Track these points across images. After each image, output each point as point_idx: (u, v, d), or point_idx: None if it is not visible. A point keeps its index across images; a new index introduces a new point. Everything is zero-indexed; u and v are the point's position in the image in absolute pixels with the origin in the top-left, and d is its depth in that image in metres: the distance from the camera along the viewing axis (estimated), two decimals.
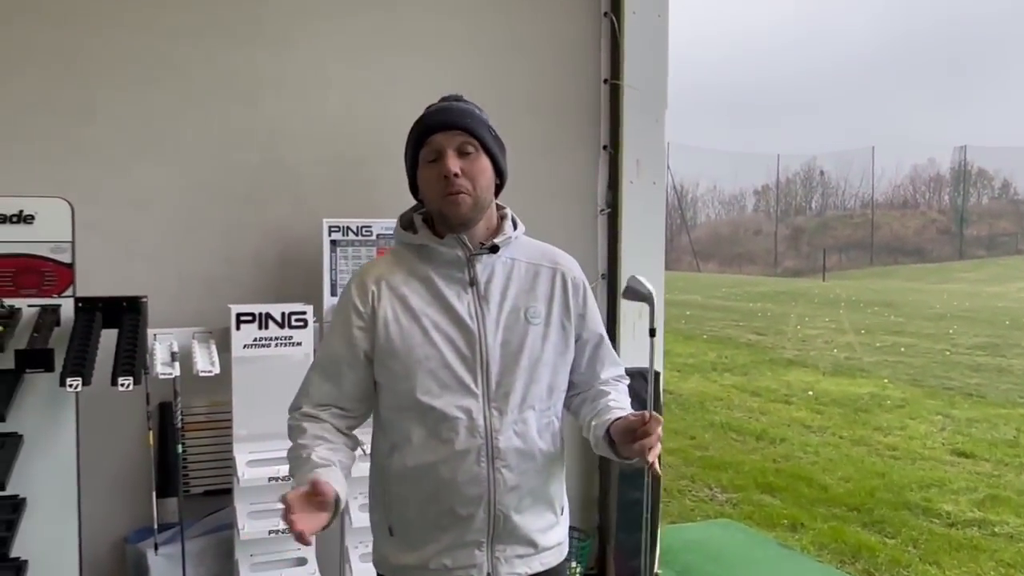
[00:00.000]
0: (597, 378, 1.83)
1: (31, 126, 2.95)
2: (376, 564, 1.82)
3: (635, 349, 3.69)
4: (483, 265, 1.72)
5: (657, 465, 1.56)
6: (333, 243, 3.15)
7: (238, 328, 2.91)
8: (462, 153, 1.68)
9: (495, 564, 1.69)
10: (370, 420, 1.83)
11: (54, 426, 2.66)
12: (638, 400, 3.82)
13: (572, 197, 3.73)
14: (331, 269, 3.15)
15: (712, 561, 4.14)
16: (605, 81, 3.72)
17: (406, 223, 1.80)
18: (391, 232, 3.17)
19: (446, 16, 3.49)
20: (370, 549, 1.87)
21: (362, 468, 1.84)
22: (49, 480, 2.65)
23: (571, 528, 3.07)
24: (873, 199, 34.82)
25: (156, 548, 2.89)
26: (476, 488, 1.65)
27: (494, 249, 1.71)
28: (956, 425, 7.46)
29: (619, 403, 1.78)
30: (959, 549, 4.60)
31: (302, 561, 2.93)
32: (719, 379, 9.67)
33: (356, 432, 1.80)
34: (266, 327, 2.94)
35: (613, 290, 3.75)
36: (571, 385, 1.82)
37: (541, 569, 1.75)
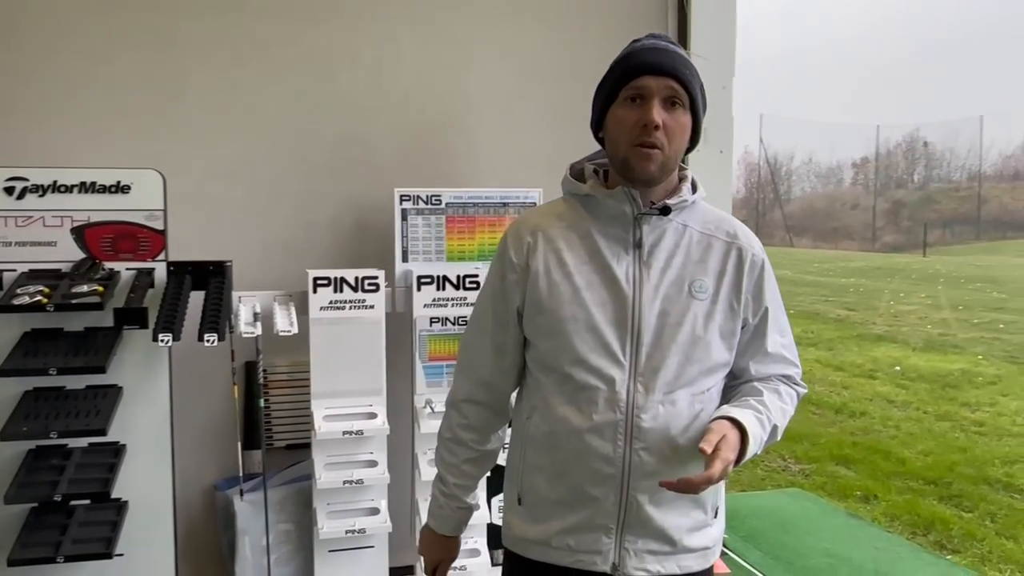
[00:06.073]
0: (752, 369, 1.65)
1: (129, 104, 3.18)
2: (502, 535, 1.73)
3: None
4: (651, 227, 1.57)
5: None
6: (404, 212, 3.29)
7: (315, 291, 3.08)
8: (668, 104, 1.53)
9: (623, 555, 1.54)
10: None
11: (150, 379, 2.88)
12: None
13: None
14: (402, 237, 3.29)
15: (779, 528, 4.17)
16: None
17: (576, 172, 1.68)
18: (460, 201, 3.35)
19: None
20: None
21: None
22: (145, 428, 2.87)
23: None
24: (981, 171, 33.31)
25: (242, 495, 3.11)
26: (609, 468, 1.52)
27: (665, 211, 1.56)
28: None
29: (760, 408, 1.56)
30: None
31: (375, 511, 3.10)
32: (802, 353, 9.34)
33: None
34: (341, 290, 3.10)
35: None
36: (729, 374, 1.64)
37: (679, 572, 1.57)
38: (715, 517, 1.63)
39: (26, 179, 2.81)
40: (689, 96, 1.54)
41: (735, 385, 1.66)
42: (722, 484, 1.60)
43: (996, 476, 5.30)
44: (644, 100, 1.52)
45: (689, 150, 1.62)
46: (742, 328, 1.61)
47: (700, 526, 1.59)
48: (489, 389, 1.71)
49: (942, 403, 7.24)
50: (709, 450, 1.40)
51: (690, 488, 1.43)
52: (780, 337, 1.66)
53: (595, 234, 1.59)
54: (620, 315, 1.53)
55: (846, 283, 16.35)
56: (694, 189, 1.63)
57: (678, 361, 1.52)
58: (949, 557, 4.07)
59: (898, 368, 8.63)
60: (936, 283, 15.99)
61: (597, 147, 1.69)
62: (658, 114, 1.50)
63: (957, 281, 16.14)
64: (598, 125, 1.63)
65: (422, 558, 1.87)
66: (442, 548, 1.83)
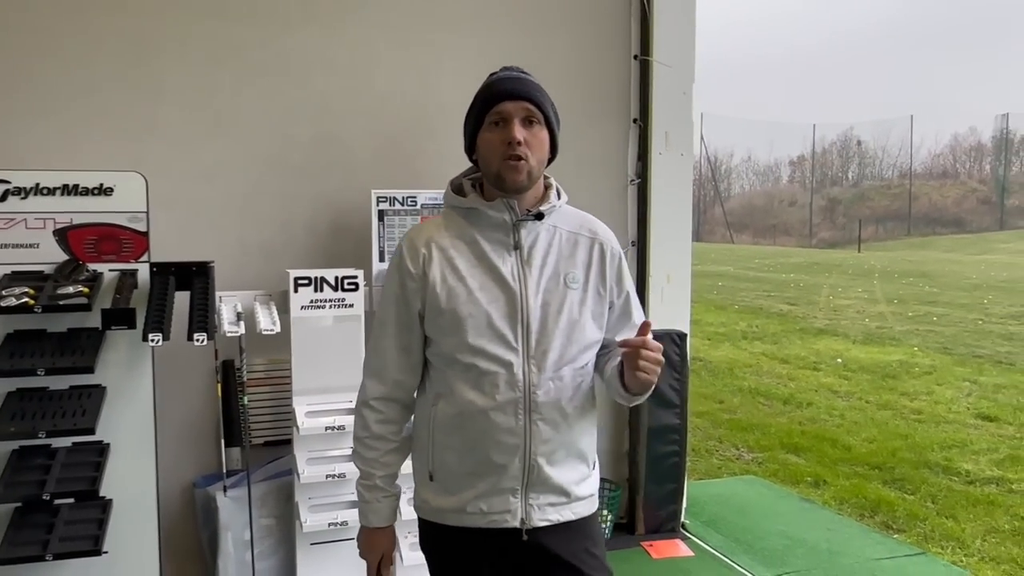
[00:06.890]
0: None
1: (108, 106, 3.21)
2: (417, 508, 1.92)
3: (663, 313, 3.90)
4: (528, 231, 1.82)
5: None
6: (381, 213, 3.38)
7: (296, 291, 3.14)
8: (527, 123, 1.78)
9: (528, 511, 1.79)
10: None
11: (133, 379, 2.92)
12: (667, 362, 4.01)
13: (604, 168, 3.93)
14: (379, 237, 3.38)
15: (737, 513, 4.37)
16: (635, 57, 3.90)
17: (456, 188, 1.90)
18: (435, 202, 3.45)
19: None
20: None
21: None
22: (129, 427, 2.91)
23: (602, 480, 3.35)
24: (911, 169, 34.40)
25: (225, 491, 3.17)
26: (513, 438, 1.76)
27: (539, 216, 1.82)
28: (983, 391, 7.59)
29: None
30: (976, 504, 4.79)
31: (356, 503, 3.18)
32: (749, 347, 9.83)
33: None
34: (321, 290, 3.17)
35: (643, 257, 3.96)
36: (601, 347, 1.91)
37: (573, 518, 1.84)
38: (593, 469, 1.92)
39: (8, 182, 2.84)
40: (543, 114, 1.80)
41: (605, 353, 1.91)
42: (595, 439, 1.90)
43: (935, 460, 5.59)
44: (506, 122, 1.78)
45: (550, 160, 1.86)
46: (609, 309, 1.90)
47: (585, 477, 1.88)
48: (400, 386, 1.91)
49: (883, 393, 7.56)
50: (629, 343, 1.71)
51: (644, 348, 1.69)
52: (637, 313, 1.96)
53: (480, 240, 1.83)
54: (510, 309, 1.79)
55: (786, 278, 16.81)
56: (559, 195, 1.90)
57: (561, 343, 1.80)
58: (895, 536, 4.30)
59: (839, 360, 8.96)
60: (871, 278, 16.55)
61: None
62: (519, 132, 1.76)
63: (891, 276, 16.73)
64: (471, 149, 1.88)
65: (366, 562, 2.00)
66: (382, 540, 1.97)
